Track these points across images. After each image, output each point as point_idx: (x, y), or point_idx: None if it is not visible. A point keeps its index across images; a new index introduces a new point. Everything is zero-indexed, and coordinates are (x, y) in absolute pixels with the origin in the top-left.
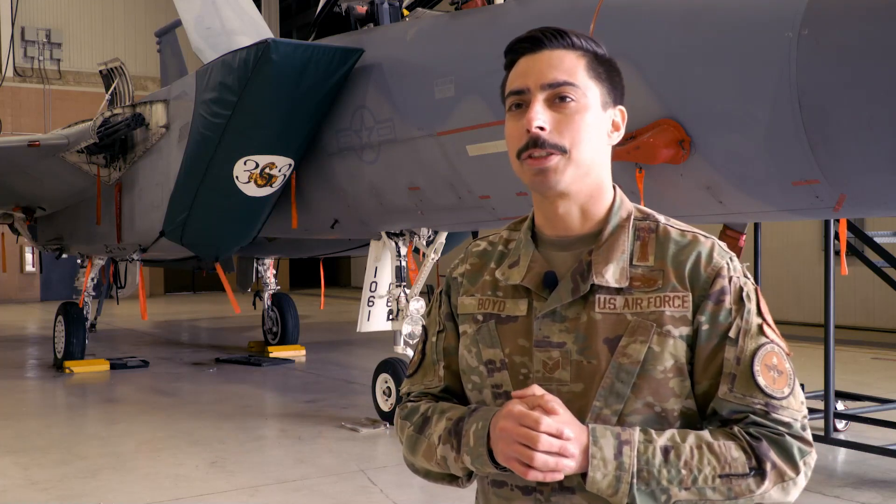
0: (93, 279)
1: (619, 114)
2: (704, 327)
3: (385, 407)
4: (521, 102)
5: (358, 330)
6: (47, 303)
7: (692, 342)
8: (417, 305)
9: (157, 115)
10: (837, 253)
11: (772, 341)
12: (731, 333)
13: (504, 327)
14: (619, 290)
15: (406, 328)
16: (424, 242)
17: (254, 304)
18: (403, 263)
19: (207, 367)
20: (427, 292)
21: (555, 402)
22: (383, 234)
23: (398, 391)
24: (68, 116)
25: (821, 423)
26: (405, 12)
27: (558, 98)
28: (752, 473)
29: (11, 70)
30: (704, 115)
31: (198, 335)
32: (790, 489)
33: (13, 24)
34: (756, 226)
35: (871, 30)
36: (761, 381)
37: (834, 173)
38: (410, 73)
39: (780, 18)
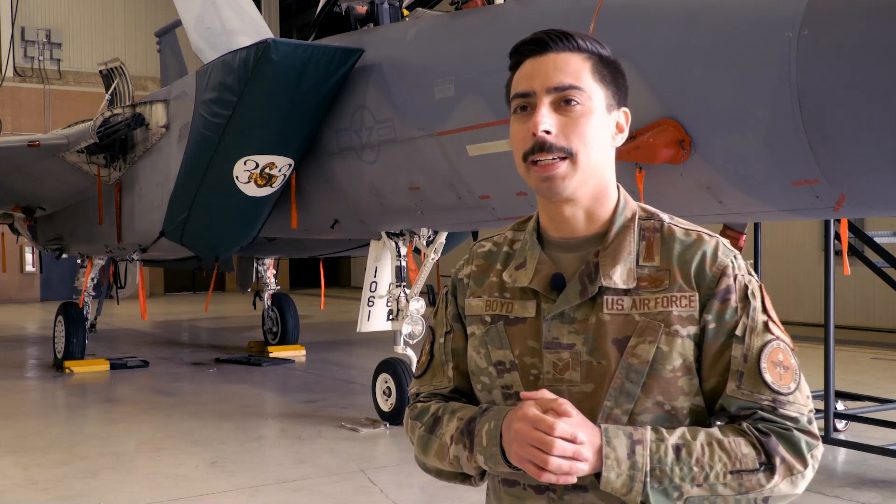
0: (93, 279)
1: (623, 116)
2: (711, 326)
3: (385, 407)
4: (527, 105)
5: (358, 330)
6: (47, 303)
7: (699, 340)
8: (417, 305)
9: (157, 115)
10: (837, 253)
11: (777, 338)
12: (738, 331)
13: (513, 329)
14: (626, 291)
15: (406, 328)
16: (424, 242)
17: (254, 304)
18: (403, 263)
19: (207, 367)
20: (426, 292)
21: (567, 405)
22: (383, 234)
23: (398, 391)
24: (68, 116)
25: (821, 423)
26: (405, 12)
27: (564, 101)
28: (763, 468)
29: (11, 70)
30: (704, 115)
31: (198, 335)
32: (799, 482)
33: (13, 24)
34: (756, 226)
35: (870, 30)
36: (768, 377)
37: (834, 173)
38: (410, 73)
39: (780, 18)
